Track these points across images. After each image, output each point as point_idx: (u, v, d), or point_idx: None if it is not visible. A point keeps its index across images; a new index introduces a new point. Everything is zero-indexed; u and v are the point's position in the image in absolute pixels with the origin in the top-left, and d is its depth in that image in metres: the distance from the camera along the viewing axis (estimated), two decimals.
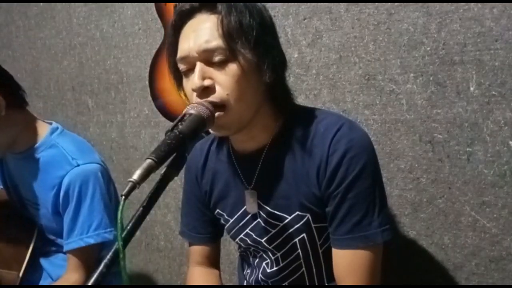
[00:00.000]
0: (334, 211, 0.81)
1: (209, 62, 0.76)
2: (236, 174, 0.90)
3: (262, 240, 0.91)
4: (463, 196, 1.04)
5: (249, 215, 0.91)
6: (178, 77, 0.84)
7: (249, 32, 0.76)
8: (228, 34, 0.74)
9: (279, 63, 0.81)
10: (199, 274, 1.02)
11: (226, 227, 0.97)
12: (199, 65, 0.76)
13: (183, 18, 0.79)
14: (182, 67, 0.79)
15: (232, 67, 0.75)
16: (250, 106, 0.79)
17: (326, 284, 0.90)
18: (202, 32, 0.76)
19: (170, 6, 1.43)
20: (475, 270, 1.05)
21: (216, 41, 0.75)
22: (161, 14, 1.48)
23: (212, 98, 0.75)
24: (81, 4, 1.82)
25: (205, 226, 1.01)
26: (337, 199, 0.80)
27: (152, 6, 1.53)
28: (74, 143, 1.23)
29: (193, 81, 0.75)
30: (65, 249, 1.19)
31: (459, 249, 1.07)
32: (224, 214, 0.95)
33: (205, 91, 0.76)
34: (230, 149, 0.91)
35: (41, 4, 2.00)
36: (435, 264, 1.10)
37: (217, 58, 0.75)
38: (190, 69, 0.78)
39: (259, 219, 0.90)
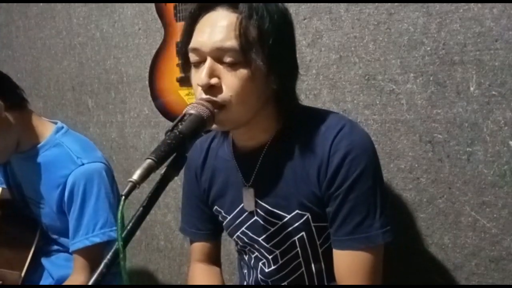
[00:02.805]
0: (335, 212, 0.81)
1: (219, 60, 0.75)
2: (235, 171, 0.91)
3: (259, 239, 0.91)
4: (463, 196, 1.04)
5: (246, 213, 0.91)
6: (187, 66, 0.83)
7: (266, 39, 0.75)
8: (244, 38, 0.74)
9: (289, 72, 0.81)
10: (200, 271, 1.03)
11: (224, 224, 0.97)
12: (209, 62, 0.75)
13: (202, 8, 0.79)
14: (192, 57, 0.79)
15: (242, 71, 0.75)
16: (251, 109, 0.79)
17: (326, 284, 0.91)
18: (219, 29, 0.75)
19: (170, 6, 1.43)
20: (475, 270, 1.05)
21: (231, 42, 0.74)
22: (161, 14, 1.48)
23: (216, 98, 0.75)
24: (81, 4, 1.82)
25: (204, 223, 1.01)
26: (338, 200, 0.80)
27: (152, 6, 1.53)
28: (78, 142, 1.24)
29: (200, 77, 0.75)
30: (71, 249, 1.19)
31: (459, 249, 1.07)
32: (222, 211, 0.95)
33: (211, 88, 0.75)
34: (231, 146, 0.92)
35: (41, 4, 2.00)
36: (435, 264, 1.10)
37: (228, 59, 0.75)
38: (200, 62, 0.77)
39: (256, 217, 0.90)
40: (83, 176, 1.16)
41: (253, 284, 0.99)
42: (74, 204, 1.16)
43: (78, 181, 1.15)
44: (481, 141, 1.00)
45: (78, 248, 1.17)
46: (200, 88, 0.76)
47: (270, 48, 0.75)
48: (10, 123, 1.15)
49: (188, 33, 0.80)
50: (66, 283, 1.20)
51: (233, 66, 0.75)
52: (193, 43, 0.78)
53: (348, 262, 0.81)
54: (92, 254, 1.17)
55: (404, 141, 1.10)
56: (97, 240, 1.16)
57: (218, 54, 0.75)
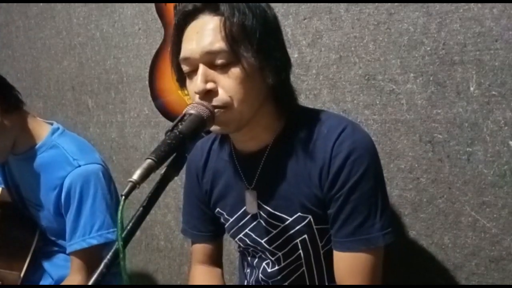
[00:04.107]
0: (336, 213, 0.81)
1: (211, 65, 0.76)
2: (237, 173, 0.90)
3: (262, 241, 0.91)
4: (463, 196, 1.04)
5: (249, 215, 0.91)
6: (181, 77, 0.83)
7: (252, 35, 0.75)
8: (231, 37, 0.74)
9: (282, 65, 0.81)
10: (200, 273, 1.03)
11: (226, 226, 0.97)
12: (202, 68, 0.75)
13: (186, 18, 0.79)
14: (185, 68, 0.79)
15: (235, 71, 0.75)
16: (251, 107, 0.79)
17: (327, 284, 0.91)
18: (205, 33, 0.75)
19: (170, 6, 1.43)
20: (475, 270, 1.05)
21: (219, 44, 0.74)
22: (161, 14, 1.48)
23: (215, 102, 0.75)
24: (81, 4, 1.82)
25: (206, 225, 1.01)
26: (339, 201, 0.80)
27: (152, 6, 1.53)
28: (75, 143, 1.23)
29: (196, 84, 0.75)
30: (68, 251, 1.18)
31: (459, 249, 1.07)
32: (224, 213, 0.95)
33: (208, 94, 0.75)
34: (231, 148, 0.91)
35: (41, 4, 2.00)
36: (435, 264, 1.10)
37: (219, 61, 0.75)
38: (193, 71, 0.77)
39: (259, 220, 0.90)
40: (80, 177, 1.15)
41: (253, 283, 0.99)
42: (71, 205, 1.16)
43: (75, 183, 1.15)
44: (481, 141, 1.00)
45: (75, 250, 1.16)
46: (197, 96, 0.76)
47: (257, 42, 0.75)
48: (6, 126, 1.15)
49: (177, 44, 0.81)
50: (63, 284, 1.20)
51: (225, 67, 0.75)
52: (183, 53, 0.78)
53: (348, 263, 0.81)
54: (89, 256, 1.17)
55: (404, 141, 1.10)
56: (94, 242, 1.15)
57: (209, 59, 0.75)
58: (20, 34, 2.14)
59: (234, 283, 1.43)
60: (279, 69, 0.79)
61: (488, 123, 0.99)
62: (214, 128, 0.78)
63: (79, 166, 1.16)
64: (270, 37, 0.78)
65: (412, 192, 1.11)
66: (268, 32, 0.78)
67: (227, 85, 0.75)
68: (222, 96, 0.75)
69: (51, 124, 1.27)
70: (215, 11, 0.76)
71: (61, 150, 1.19)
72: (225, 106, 0.76)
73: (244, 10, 0.76)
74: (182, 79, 0.84)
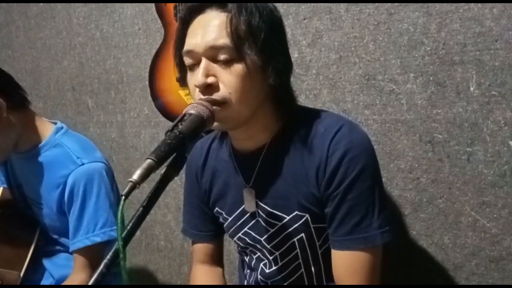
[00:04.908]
0: (333, 212, 0.81)
1: (214, 60, 0.76)
2: (235, 172, 0.91)
3: (262, 239, 0.91)
4: (463, 196, 1.04)
5: (248, 214, 0.91)
6: (183, 71, 0.84)
7: (257, 34, 0.76)
8: (236, 34, 0.75)
9: (284, 67, 0.81)
10: (201, 272, 1.03)
11: (225, 225, 0.97)
12: (204, 62, 0.76)
13: (192, 13, 0.80)
14: (187, 61, 0.79)
15: (237, 67, 0.75)
16: (250, 106, 0.79)
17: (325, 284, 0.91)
18: (210, 29, 0.76)
19: (170, 6, 1.43)
20: (475, 270, 1.05)
21: (224, 40, 0.75)
22: (161, 14, 1.48)
23: (215, 96, 0.75)
24: (81, 4, 1.82)
25: (206, 224, 1.01)
26: (336, 200, 0.80)
27: (152, 6, 1.53)
28: (78, 142, 1.24)
29: (197, 78, 0.76)
30: (71, 249, 1.19)
31: (459, 249, 1.07)
32: (223, 213, 0.95)
33: (208, 88, 0.76)
34: (230, 147, 0.92)
35: (41, 4, 2.00)
36: (435, 264, 1.10)
37: (222, 57, 0.75)
38: (195, 64, 0.78)
39: (258, 218, 0.90)
40: (83, 176, 1.16)
41: (253, 284, 0.99)
42: (74, 204, 1.16)
43: (78, 181, 1.15)
44: (481, 141, 1.00)
45: (78, 248, 1.17)
46: (197, 89, 0.76)
47: (262, 42, 0.76)
48: (11, 123, 1.15)
49: (181, 38, 0.81)
50: (66, 282, 1.20)
51: (228, 63, 0.76)
52: (186, 46, 0.79)
53: (346, 263, 0.81)
54: (92, 254, 1.17)
55: (404, 141, 1.10)
56: (98, 239, 1.16)
57: (212, 53, 0.76)
58: (20, 34, 2.14)
59: (234, 283, 1.43)
60: (281, 71, 0.80)
61: (488, 123, 0.99)
62: (212, 126, 0.78)
63: (83, 164, 1.17)
64: (274, 38, 0.79)
65: (412, 192, 1.11)
66: (273, 33, 0.79)
67: (228, 81, 0.75)
68: (222, 91, 0.76)
69: (55, 123, 1.27)
70: (223, 8, 0.77)
71: (65, 149, 1.20)
72: (224, 102, 0.76)
73: (252, 9, 0.76)
74: (183, 75, 0.84)
